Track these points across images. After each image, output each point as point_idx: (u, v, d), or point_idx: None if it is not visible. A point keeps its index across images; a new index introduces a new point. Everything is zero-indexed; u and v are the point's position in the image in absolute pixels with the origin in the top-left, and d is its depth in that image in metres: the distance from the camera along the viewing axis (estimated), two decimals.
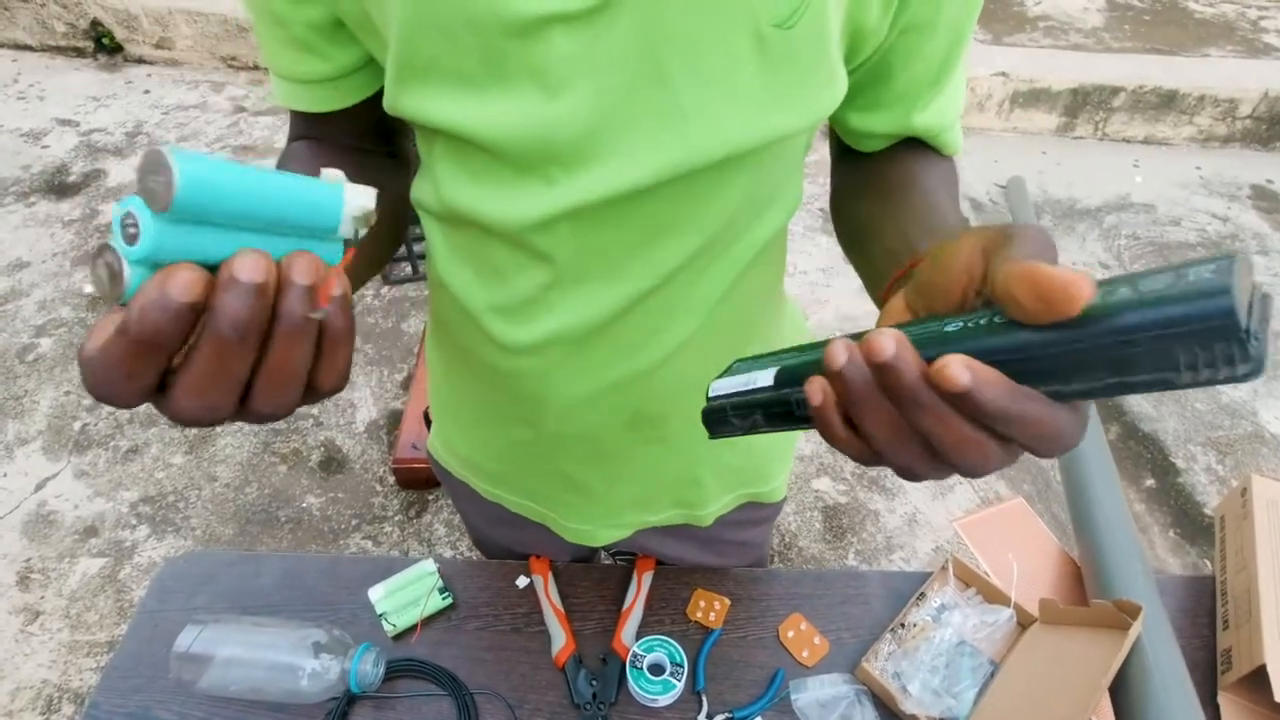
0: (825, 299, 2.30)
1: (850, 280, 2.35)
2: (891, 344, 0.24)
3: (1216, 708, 0.69)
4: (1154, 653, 0.60)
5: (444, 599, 0.75)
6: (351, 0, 0.41)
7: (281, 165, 0.52)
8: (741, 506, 0.72)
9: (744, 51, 0.38)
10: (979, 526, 0.83)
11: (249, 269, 0.23)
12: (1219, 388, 2.02)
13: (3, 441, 1.88)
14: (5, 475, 1.81)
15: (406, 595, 0.75)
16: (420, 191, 0.50)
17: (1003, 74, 2.72)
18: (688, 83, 0.38)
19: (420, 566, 0.77)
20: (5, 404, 1.96)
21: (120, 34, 3.19)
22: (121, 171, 2.70)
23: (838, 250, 2.44)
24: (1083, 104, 2.74)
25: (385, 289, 2.31)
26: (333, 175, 0.28)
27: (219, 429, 1.91)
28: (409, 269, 2.34)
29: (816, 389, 0.27)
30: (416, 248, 2.31)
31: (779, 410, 0.30)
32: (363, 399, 2.01)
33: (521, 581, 0.77)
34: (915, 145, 0.51)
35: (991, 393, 0.23)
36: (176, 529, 1.72)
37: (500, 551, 0.81)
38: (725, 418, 0.32)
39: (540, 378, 0.52)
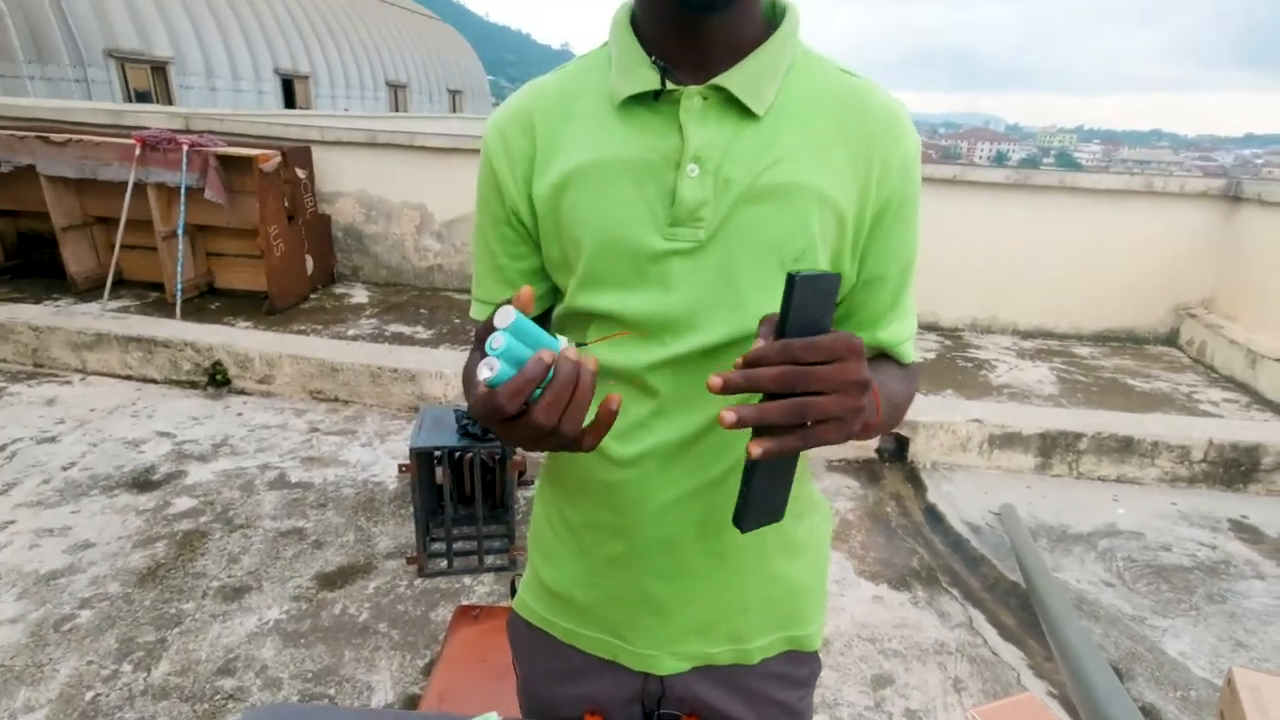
0: (841, 607, 2.36)
1: (862, 592, 2.44)
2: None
3: None
4: None
5: None
6: (556, 249, 0.74)
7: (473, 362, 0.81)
8: (783, 655, 0.82)
9: (775, 274, 0.68)
10: (995, 713, 0.88)
11: (571, 353, 0.51)
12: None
13: (9, 710, 1.84)
14: None
15: None
16: None
17: (977, 420, 3.17)
18: (746, 287, 0.68)
19: (484, 717, 0.83)
20: (25, 671, 1.96)
21: (233, 372, 3.86)
22: (199, 473, 3.04)
23: (850, 564, 2.57)
24: (1053, 446, 3.12)
25: (419, 580, 2.42)
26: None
27: (242, 697, 1.86)
28: (444, 564, 2.47)
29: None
30: (456, 545, 2.49)
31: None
32: (380, 682, 1.98)
33: None
34: (885, 357, 0.79)
35: (764, 348, 0.51)
36: None
37: (556, 716, 0.87)
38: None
39: (638, 485, 0.72)
